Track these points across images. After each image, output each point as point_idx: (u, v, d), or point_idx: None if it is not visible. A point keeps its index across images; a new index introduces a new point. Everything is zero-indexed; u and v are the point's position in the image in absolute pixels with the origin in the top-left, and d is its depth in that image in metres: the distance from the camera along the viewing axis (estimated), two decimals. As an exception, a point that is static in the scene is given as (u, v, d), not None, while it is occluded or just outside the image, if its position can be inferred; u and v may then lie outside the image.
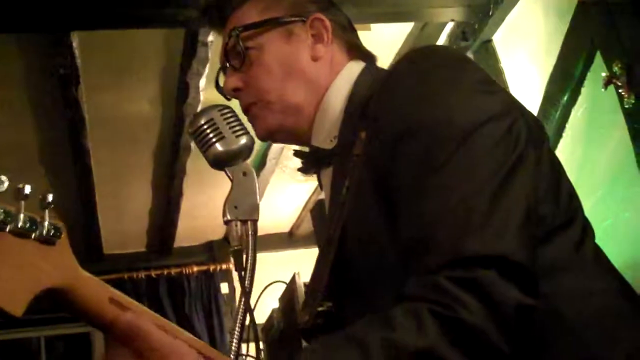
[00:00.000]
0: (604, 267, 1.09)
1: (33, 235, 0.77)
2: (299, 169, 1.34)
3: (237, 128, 1.23)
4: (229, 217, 1.17)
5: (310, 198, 5.40)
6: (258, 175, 3.99)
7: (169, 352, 0.89)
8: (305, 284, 3.46)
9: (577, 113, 2.87)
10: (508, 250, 0.92)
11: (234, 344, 1.04)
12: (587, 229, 1.10)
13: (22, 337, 5.50)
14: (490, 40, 3.42)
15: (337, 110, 1.25)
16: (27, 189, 0.75)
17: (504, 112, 1.04)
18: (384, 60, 1.39)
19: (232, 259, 1.21)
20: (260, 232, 1.19)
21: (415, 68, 1.11)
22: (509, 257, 0.91)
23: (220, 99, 1.36)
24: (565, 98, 2.90)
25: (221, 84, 1.35)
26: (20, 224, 0.75)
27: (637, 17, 2.46)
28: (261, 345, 3.92)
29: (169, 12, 2.95)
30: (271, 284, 3.37)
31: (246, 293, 1.09)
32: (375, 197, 1.08)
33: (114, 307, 0.87)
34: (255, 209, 1.19)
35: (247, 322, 1.12)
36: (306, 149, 1.32)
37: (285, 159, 4.54)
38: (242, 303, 1.09)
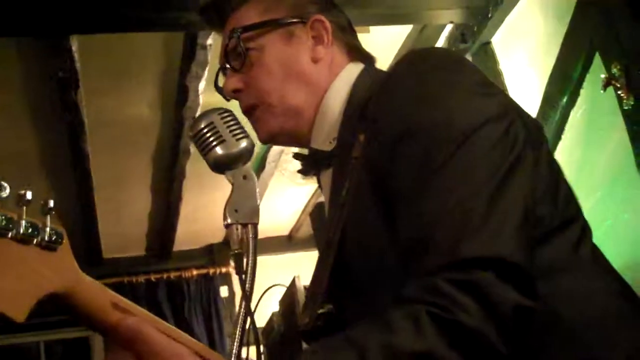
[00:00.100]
0: (603, 267, 1.09)
1: (35, 241, 0.77)
2: (298, 171, 1.34)
3: (238, 131, 1.23)
4: (229, 221, 1.17)
5: (309, 201, 5.41)
6: (257, 178, 3.98)
7: (170, 356, 0.89)
8: (305, 287, 3.46)
9: (577, 114, 2.87)
10: (505, 252, 0.92)
11: (234, 348, 1.04)
12: (585, 230, 1.10)
13: (22, 342, 5.49)
14: (489, 42, 3.42)
15: (336, 112, 1.25)
16: (29, 195, 0.75)
17: (501, 114, 1.04)
18: (383, 62, 1.39)
19: (232, 263, 1.21)
20: (259, 235, 1.19)
21: (413, 70, 1.11)
22: (507, 259, 0.92)
23: (219, 102, 1.36)
24: (565, 100, 2.90)
25: (220, 84, 1.35)
26: (21, 230, 0.75)
27: (635, 19, 2.46)
28: (261, 349, 3.91)
29: (168, 16, 2.95)
30: (271, 287, 3.37)
31: (247, 296, 1.09)
32: (374, 198, 1.08)
33: (115, 311, 0.87)
34: (255, 212, 1.19)
35: (247, 325, 1.12)
36: (306, 151, 1.32)
37: (284, 162, 4.54)
38: (243, 306, 1.09)
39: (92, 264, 5.37)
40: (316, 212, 4.93)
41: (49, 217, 0.79)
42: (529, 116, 1.16)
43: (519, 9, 3.23)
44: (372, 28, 3.45)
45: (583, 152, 2.85)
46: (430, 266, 0.93)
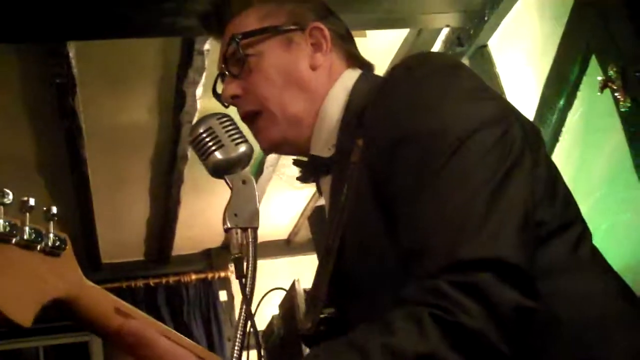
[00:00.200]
0: (602, 268, 1.10)
1: (38, 247, 0.78)
2: (297, 178, 1.34)
3: (236, 136, 1.23)
4: (229, 225, 1.17)
5: (307, 205, 5.41)
6: (255, 182, 3.99)
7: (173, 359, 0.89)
8: (305, 290, 3.46)
9: (574, 117, 2.88)
10: (505, 253, 0.93)
11: (235, 351, 1.04)
12: (585, 232, 1.11)
13: (21, 347, 5.49)
14: (485, 46, 3.43)
15: (334, 118, 1.25)
16: (32, 202, 0.76)
17: (498, 118, 1.05)
18: (380, 66, 1.40)
19: (231, 267, 1.21)
20: (257, 240, 1.20)
21: (409, 75, 1.12)
22: (506, 260, 0.92)
23: (217, 107, 1.36)
24: (562, 102, 2.91)
25: (219, 91, 1.36)
26: (25, 237, 0.76)
27: (631, 21, 2.46)
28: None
29: (165, 21, 2.95)
30: (271, 290, 3.37)
31: (247, 300, 1.10)
32: (374, 202, 1.08)
33: (118, 316, 0.87)
34: (255, 216, 1.19)
35: (248, 328, 1.12)
36: (305, 158, 1.32)
37: (282, 166, 4.54)
38: (244, 310, 1.09)
39: (91, 269, 5.37)
40: (314, 216, 4.92)
41: (52, 223, 0.79)
42: (526, 120, 1.17)
43: (515, 12, 3.23)
44: (368, 32, 3.46)
45: (581, 154, 2.85)
46: (430, 268, 0.93)
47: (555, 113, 2.94)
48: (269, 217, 5.35)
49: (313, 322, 1.14)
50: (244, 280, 1.13)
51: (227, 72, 1.33)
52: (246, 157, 1.23)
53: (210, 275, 5.80)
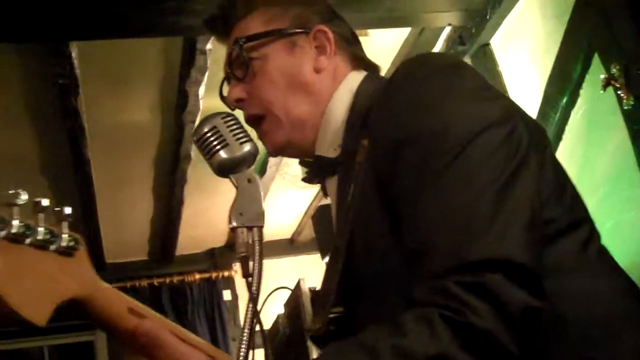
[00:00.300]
0: (610, 267, 1.10)
1: (52, 247, 0.78)
2: (303, 179, 1.34)
3: (241, 135, 1.23)
4: (234, 224, 1.17)
5: (311, 204, 5.41)
6: (258, 182, 3.98)
7: None
8: (310, 289, 3.46)
9: (577, 115, 2.88)
10: (512, 253, 0.93)
11: (242, 350, 1.04)
12: (593, 232, 1.11)
13: (26, 347, 5.50)
14: (487, 44, 3.43)
15: (339, 119, 1.26)
16: (45, 202, 0.76)
17: (503, 118, 1.05)
18: (382, 65, 1.40)
19: (233, 267, 1.21)
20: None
21: (412, 76, 1.12)
22: (514, 260, 0.92)
23: (219, 107, 1.36)
24: (564, 100, 2.91)
25: (225, 94, 1.36)
26: (39, 237, 0.76)
27: (634, 19, 2.47)
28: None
29: (166, 21, 2.95)
30: (276, 289, 3.36)
31: (254, 299, 1.10)
32: (379, 202, 1.09)
33: (132, 316, 0.88)
34: (260, 215, 1.19)
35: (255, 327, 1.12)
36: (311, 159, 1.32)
37: (285, 165, 4.54)
38: (250, 309, 1.09)
39: (95, 269, 5.37)
40: (318, 216, 4.92)
41: (65, 223, 0.80)
42: (531, 119, 1.17)
43: (517, 10, 3.23)
44: (370, 31, 3.46)
45: (584, 152, 2.85)
46: (438, 269, 0.93)
47: (558, 111, 2.94)
48: (272, 216, 5.35)
49: (322, 322, 1.14)
50: (250, 279, 1.13)
51: (232, 76, 1.33)
52: (251, 156, 1.23)
53: (214, 275, 5.81)
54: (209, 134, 1.23)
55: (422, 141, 1.03)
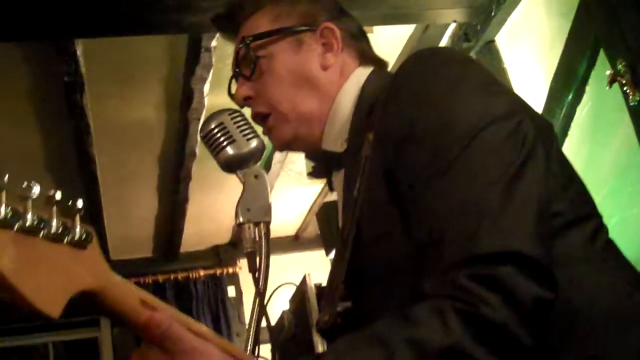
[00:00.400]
0: (617, 260, 1.10)
1: (65, 240, 0.79)
2: (309, 173, 1.34)
3: (248, 131, 1.24)
4: (242, 220, 1.18)
5: (315, 201, 5.41)
6: (263, 178, 3.98)
7: (200, 354, 0.91)
8: (315, 285, 3.46)
9: (582, 111, 2.88)
10: (523, 246, 0.93)
11: (249, 345, 1.05)
12: (600, 225, 1.11)
13: (30, 343, 5.51)
14: (492, 41, 3.42)
15: (346, 114, 1.26)
16: (58, 195, 0.77)
17: (509, 112, 1.05)
18: (388, 62, 1.40)
19: (239, 263, 1.22)
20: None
21: (418, 70, 1.12)
22: (525, 253, 0.92)
23: (224, 104, 1.36)
24: (570, 97, 2.90)
25: (233, 92, 1.36)
26: (53, 230, 0.76)
27: (640, 15, 2.46)
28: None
29: (172, 18, 2.96)
30: (282, 285, 3.38)
31: (261, 294, 1.10)
32: (387, 195, 1.09)
33: (145, 309, 0.88)
34: (267, 210, 1.20)
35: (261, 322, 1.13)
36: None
37: (290, 162, 4.55)
38: (257, 304, 1.09)
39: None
40: (323, 212, 4.92)
41: (78, 216, 0.80)
42: (538, 114, 1.17)
43: (523, 7, 3.23)
44: (375, 28, 3.46)
45: (590, 148, 2.85)
46: (449, 262, 0.93)
47: (563, 108, 2.94)
48: (277, 213, 5.26)
49: (330, 315, 1.14)
50: (257, 274, 1.14)
51: (239, 74, 1.33)
52: (258, 152, 1.24)
53: (218, 271, 5.82)
54: (215, 131, 1.23)
55: (428, 135, 1.03)
